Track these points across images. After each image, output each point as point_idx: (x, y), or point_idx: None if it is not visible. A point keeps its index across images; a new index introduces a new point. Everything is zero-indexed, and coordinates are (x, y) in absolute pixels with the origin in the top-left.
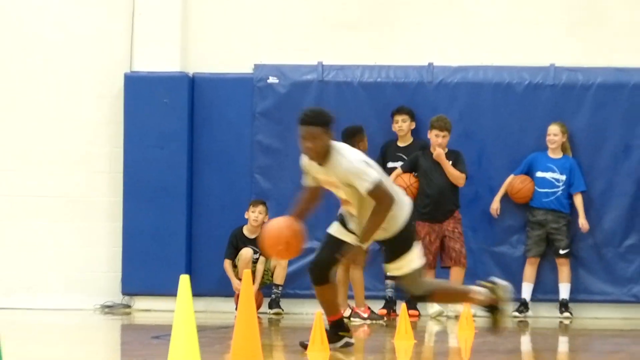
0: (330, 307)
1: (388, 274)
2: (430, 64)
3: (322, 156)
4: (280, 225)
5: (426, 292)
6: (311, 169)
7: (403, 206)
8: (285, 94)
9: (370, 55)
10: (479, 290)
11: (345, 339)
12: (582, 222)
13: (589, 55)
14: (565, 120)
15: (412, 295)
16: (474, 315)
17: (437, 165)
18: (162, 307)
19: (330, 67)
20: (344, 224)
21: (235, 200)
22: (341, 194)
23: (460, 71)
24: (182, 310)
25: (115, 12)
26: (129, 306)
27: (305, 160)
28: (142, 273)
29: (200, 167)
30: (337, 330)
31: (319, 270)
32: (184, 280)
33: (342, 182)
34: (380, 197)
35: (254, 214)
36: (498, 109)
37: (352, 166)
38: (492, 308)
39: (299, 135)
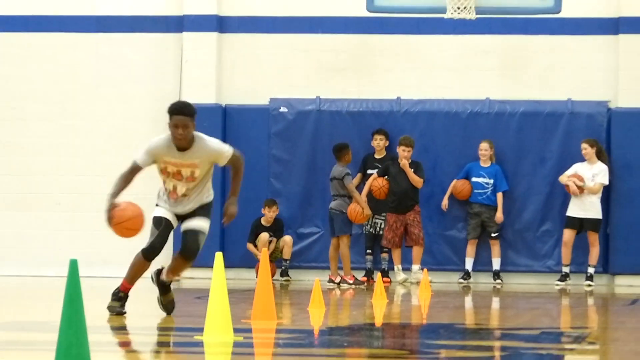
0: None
1: (184, 227)
2: (398, 98)
3: (188, 143)
4: (131, 217)
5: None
6: (163, 155)
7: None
8: (292, 120)
9: (354, 92)
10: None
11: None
12: (498, 216)
13: (514, 91)
14: (496, 139)
15: (187, 250)
16: (431, 282)
17: (403, 172)
18: (202, 275)
19: (325, 100)
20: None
21: (256, 197)
22: (188, 173)
23: (420, 103)
24: (217, 278)
25: (168, 59)
26: (178, 274)
27: (160, 148)
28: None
29: (230, 173)
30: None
31: (155, 251)
32: (218, 256)
33: (202, 161)
34: (239, 163)
35: (269, 212)
36: (447, 131)
37: (215, 148)
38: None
39: (171, 124)
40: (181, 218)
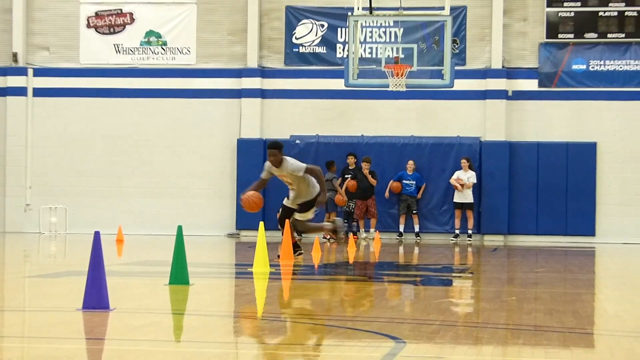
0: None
1: (296, 217)
2: (362, 135)
3: (279, 163)
4: (252, 198)
5: (304, 230)
6: (271, 169)
7: (315, 188)
8: (303, 147)
9: (337, 131)
10: (327, 225)
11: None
12: (418, 197)
13: (426, 131)
14: (417, 159)
15: (296, 229)
16: (380, 238)
17: (365, 177)
18: (252, 234)
19: (321, 136)
20: (289, 199)
21: (281, 191)
22: (287, 181)
23: (374, 138)
24: (260, 236)
25: (234, 113)
26: (238, 234)
27: (268, 166)
28: (244, 219)
29: (270, 181)
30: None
31: (282, 220)
32: (261, 224)
33: (289, 173)
34: (315, 172)
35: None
36: (389, 154)
37: (295, 166)
38: (334, 231)
39: (269, 154)
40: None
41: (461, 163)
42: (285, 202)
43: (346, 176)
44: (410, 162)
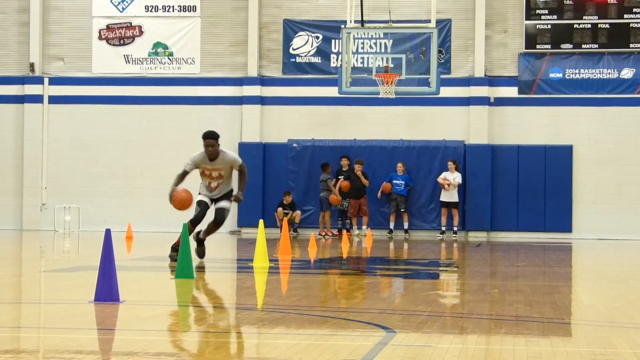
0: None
1: (216, 206)
2: (354, 139)
3: (216, 155)
4: (183, 198)
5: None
6: (201, 163)
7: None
8: (299, 150)
9: (332, 136)
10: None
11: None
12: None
13: (415, 135)
14: (406, 161)
15: (217, 221)
16: (372, 235)
17: (358, 177)
18: (252, 232)
19: (316, 140)
20: (205, 194)
21: (279, 190)
22: (217, 174)
23: (366, 142)
24: (260, 232)
25: (235, 119)
26: (239, 231)
27: (199, 159)
28: (245, 217)
29: (269, 179)
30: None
31: (198, 220)
32: (261, 222)
33: (225, 166)
34: (244, 169)
35: (287, 197)
36: (380, 156)
37: (235, 157)
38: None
39: (205, 145)
40: (213, 201)
41: (448, 165)
42: (203, 197)
43: (339, 177)
44: (400, 164)
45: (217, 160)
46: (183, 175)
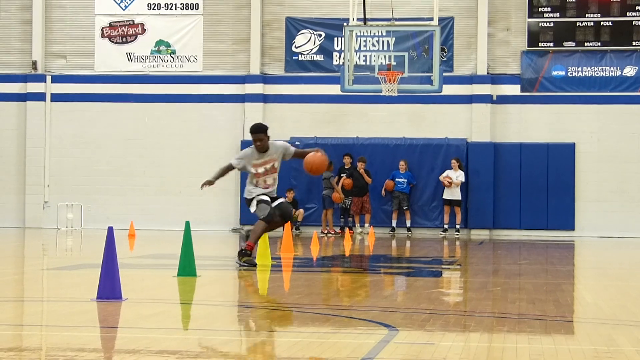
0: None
1: (276, 204)
2: (357, 137)
3: (266, 148)
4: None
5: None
6: (251, 159)
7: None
8: (303, 148)
9: (334, 133)
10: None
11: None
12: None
13: (417, 133)
14: (409, 158)
15: (284, 215)
16: (375, 233)
17: (361, 175)
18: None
19: (319, 138)
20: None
21: (282, 187)
22: (270, 166)
23: (369, 139)
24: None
25: (237, 117)
26: (242, 229)
27: (247, 154)
28: (248, 215)
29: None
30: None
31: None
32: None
33: (278, 155)
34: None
35: (289, 194)
36: (383, 154)
37: (285, 144)
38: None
39: (255, 139)
40: (272, 199)
41: (451, 163)
42: (263, 197)
43: (342, 175)
44: (402, 161)
45: (268, 152)
46: (228, 168)
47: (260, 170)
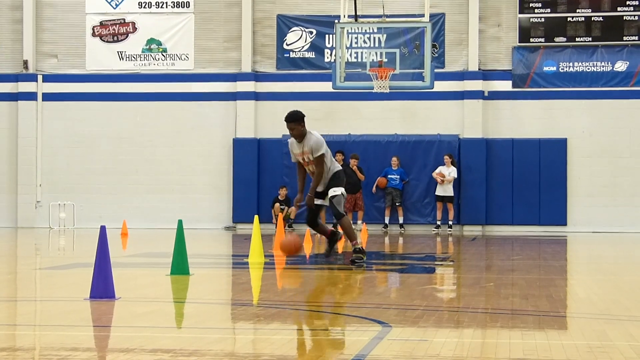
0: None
1: (329, 195)
2: (349, 134)
3: (302, 137)
4: (291, 243)
5: (340, 214)
6: (293, 149)
7: (335, 168)
8: None
9: (327, 130)
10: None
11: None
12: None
13: (409, 129)
14: (401, 155)
15: (335, 213)
16: (367, 229)
17: (354, 172)
18: (248, 227)
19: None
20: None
21: (274, 185)
22: (309, 158)
23: (361, 136)
24: (255, 228)
25: (230, 114)
26: (235, 227)
27: (290, 145)
28: (240, 213)
29: (264, 174)
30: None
31: (309, 221)
32: (256, 219)
33: (309, 151)
34: (321, 160)
35: (282, 191)
36: (375, 151)
37: (315, 140)
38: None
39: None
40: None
41: (444, 159)
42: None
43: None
44: (394, 158)
45: (304, 142)
46: (297, 168)
47: (302, 160)
